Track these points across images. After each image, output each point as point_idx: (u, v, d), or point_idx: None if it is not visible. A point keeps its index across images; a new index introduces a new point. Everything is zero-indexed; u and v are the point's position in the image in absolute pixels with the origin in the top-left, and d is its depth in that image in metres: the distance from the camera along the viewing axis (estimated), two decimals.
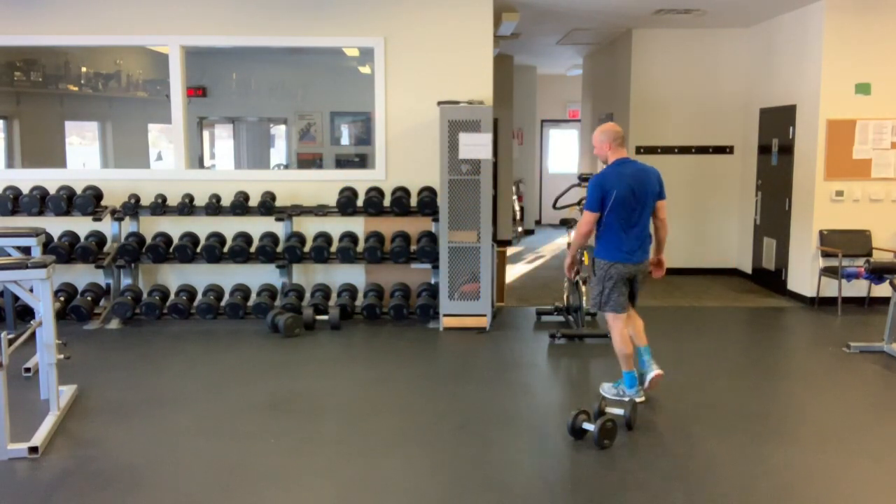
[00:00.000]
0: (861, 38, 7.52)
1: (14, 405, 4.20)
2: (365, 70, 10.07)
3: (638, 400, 4.81)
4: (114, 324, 6.77)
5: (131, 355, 5.99)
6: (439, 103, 6.81)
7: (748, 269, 9.25)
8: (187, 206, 7.08)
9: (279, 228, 7.25)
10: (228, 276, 7.29)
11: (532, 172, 14.65)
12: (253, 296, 7.16)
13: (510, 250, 11.35)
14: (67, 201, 7.00)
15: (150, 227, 7.26)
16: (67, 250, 6.88)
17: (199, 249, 7.07)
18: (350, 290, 7.23)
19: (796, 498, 3.69)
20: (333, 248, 7.15)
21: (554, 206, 6.89)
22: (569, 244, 6.91)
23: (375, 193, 7.14)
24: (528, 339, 6.63)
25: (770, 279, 8.65)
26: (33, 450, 4.00)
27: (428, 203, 7.05)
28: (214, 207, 7.10)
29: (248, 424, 4.53)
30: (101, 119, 10.83)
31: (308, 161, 11.24)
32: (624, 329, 4.89)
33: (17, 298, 5.84)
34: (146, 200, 7.23)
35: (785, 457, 4.12)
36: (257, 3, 7.26)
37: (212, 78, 10.89)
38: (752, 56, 9.16)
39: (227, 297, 7.11)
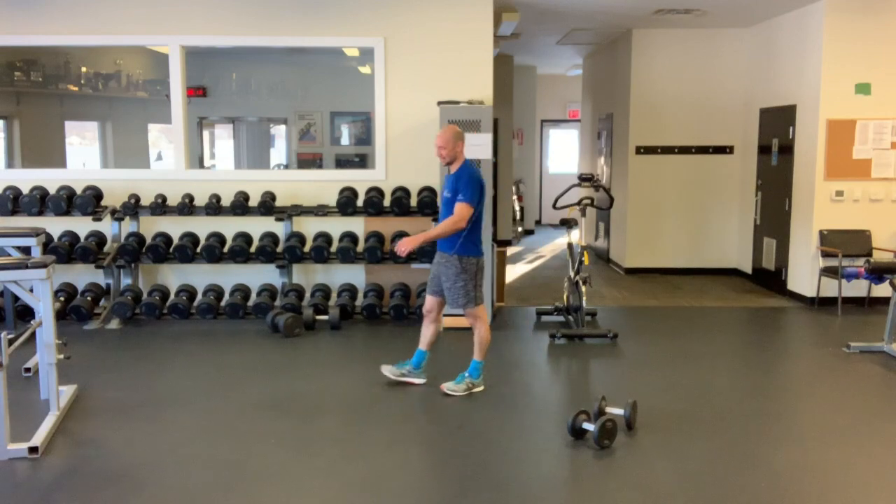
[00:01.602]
0: (861, 39, 7.52)
1: (14, 405, 4.20)
2: (365, 70, 10.07)
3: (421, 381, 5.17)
4: (114, 324, 6.77)
5: (131, 355, 5.99)
6: (439, 103, 6.81)
7: (748, 269, 9.25)
8: (187, 206, 7.08)
9: (279, 228, 7.25)
10: (228, 276, 7.29)
11: (532, 172, 14.65)
12: (253, 296, 7.16)
13: (510, 250, 11.34)
14: (67, 201, 7.00)
15: (150, 227, 7.25)
16: (67, 250, 6.88)
17: (199, 249, 7.06)
18: (350, 290, 7.23)
19: (796, 498, 3.69)
20: (333, 248, 7.15)
21: (554, 206, 6.88)
22: (569, 244, 6.92)
23: (375, 193, 7.14)
24: (528, 339, 6.63)
25: (770, 279, 8.65)
26: (33, 450, 4.00)
27: (428, 203, 7.05)
28: (214, 207, 7.10)
29: (248, 424, 4.53)
30: (101, 119, 10.83)
31: (308, 161, 11.24)
32: None
33: (17, 298, 5.84)
34: (146, 200, 7.23)
35: (785, 456, 4.12)
36: (257, 3, 7.26)
37: (212, 78, 10.89)
38: (752, 56, 9.16)
39: (227, 297, 7.11)
